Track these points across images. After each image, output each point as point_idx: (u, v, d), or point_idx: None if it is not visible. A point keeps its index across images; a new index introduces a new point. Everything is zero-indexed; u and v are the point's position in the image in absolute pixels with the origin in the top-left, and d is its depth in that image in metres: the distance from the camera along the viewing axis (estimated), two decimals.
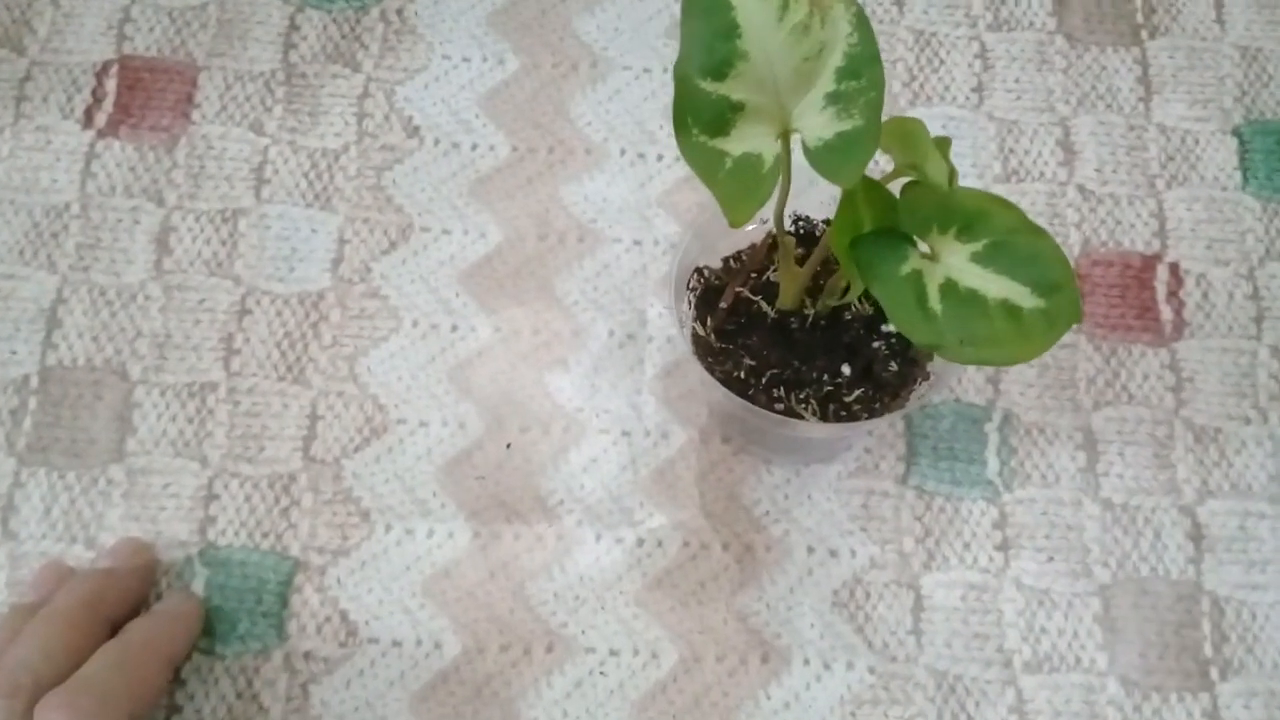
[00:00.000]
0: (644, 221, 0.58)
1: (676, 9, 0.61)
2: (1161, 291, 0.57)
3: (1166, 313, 0.57)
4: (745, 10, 0.34)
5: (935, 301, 0.36)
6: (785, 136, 0.36)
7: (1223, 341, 0.56)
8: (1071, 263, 0.57)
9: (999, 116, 0.60)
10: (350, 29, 0.61)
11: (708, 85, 0.35)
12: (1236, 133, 0.60)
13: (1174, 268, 0.57)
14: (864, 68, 0.34)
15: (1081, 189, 0.59)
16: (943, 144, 0.35)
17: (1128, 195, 0.59)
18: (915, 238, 0.37)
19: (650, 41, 0.61)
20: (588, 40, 0.61)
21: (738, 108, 0.35)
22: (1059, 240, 0.57)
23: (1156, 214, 0.58)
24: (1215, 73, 0.61)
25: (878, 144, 0.34)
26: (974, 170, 0.59)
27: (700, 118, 0.35)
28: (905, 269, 0.36)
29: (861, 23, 0.34)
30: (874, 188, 0.36)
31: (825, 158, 0.34)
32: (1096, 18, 0.62)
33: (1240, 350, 0.56)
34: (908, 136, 0.35)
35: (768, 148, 0.35)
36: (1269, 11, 0.62)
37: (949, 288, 0.36)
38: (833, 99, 0.34)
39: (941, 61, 0.61)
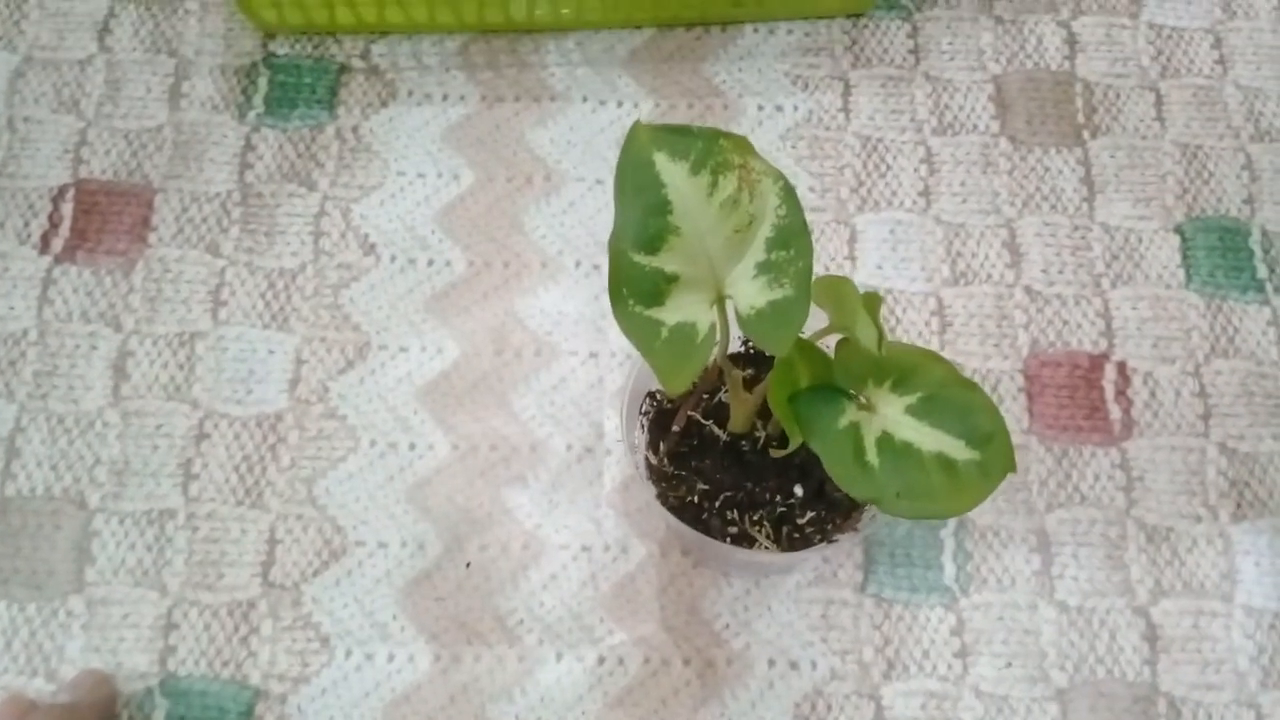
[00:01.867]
0: (599, 333, 0.58)
1: (628, 121, 0.62)
2: (1110, 391, 0.58)
3: (1115, 412, 0.57)
4: (675, 188, 0.35)
5: (873, 455, 0.36)
6: (720, 303, 0.37)
7: (1171, 440, 0.57)
8: (1020, 364, 0.58)
9: (946, 220, 0.61)
10: (306, 148, 0.62)
11: (642, 259, 0.36)
12: (1179, 230, 0.61)
13: (1121, 367, 0.58)
14: (793, 239, 0.35)
15: (1029, 290, 0.60)
16: (871, 302, 0.36)
17: (1074, 295, 0.60)
18: (851, 390, 0.38)
19: (603, 153, 0.62)
20: (541, 154, 0.62)
21: (672, 279, 0.36)
22: (1008, 342, 0.58)
23: (1103, 313, 0.59)
24: (1156, 170, 0.62)
25: (808, 312, 0.35)
26: (923, 274, 0.60)
27: (636, 289, 0.36)
28: (843, 422, 0.37)
29: (789, 196, 0.35)
30: (808, 348, 0.37)
31: (758, 325, 0.35)
32: (1039, 119, 0.63)
33: (1189, 448, 0.57)
34: (838, 297, 0.36)
35: (702, 316, 0.36)
36: (1208, 108, 0.64)
37: (885, 441, 0.37)
38: (764, 268, 0.35)
39: (889, 167, 0.62)
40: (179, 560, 0.54)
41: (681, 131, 0.35)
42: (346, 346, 0.58)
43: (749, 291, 0.36)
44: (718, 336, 0.36)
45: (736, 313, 0.36)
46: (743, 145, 0.35)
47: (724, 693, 0.52)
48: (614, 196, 0.36)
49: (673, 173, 0.35)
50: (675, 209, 0.35)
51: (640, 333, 0.36)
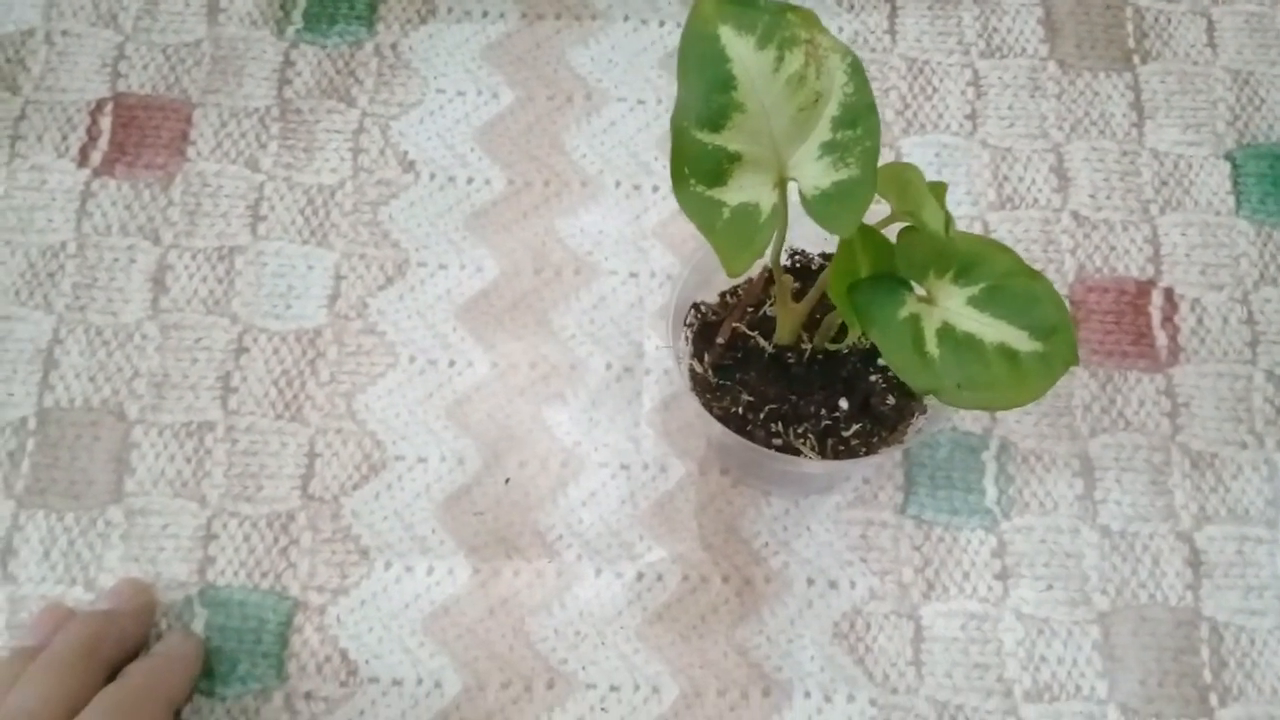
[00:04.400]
0: (640, 253, 0.58)
1: (670, 41, 0.62)
2: (1157, 317, 0.57)
3: (1162, 338, 0.57)
4: (741, 62, 0.34)
5: (933, 345, 0.36)
6: (782, 185, 0.36)
7: (1218, 366, 0.56)
8: (1066, 289, 0.57)
9: (992, 144, 0.60)
10: (345, 64, 0.61)
11: (704, 136, 0.35)
12: (1229, 157, 0.60)
13: (1169, 293, 0.57)
14: (860, 117, 0.34)
15: (1076, 215, 0.59)
16: (938, 189, 0.35)
17: (1122, 221, 0.59)
18: (912, 282, 0.37)
19: (645, 73, 0.61)
20: (582, 72, 0.61)
21: (734, 158, 0.35)
22: (1054, 267, 0.57)
23: (1151, 239, 0.58)
24: (1207, 97, 0.61)
25: (874, 193, 0.34)
26: (968, 198, 0.59)
27: (697, 168, 0.35)
28: (903, 313, 0.36)
29: (857, 72, 0.34)
30: (870, 234, 0.36)
31: (822, 207, 0.35)
32: (1088, 43, 0.62)
33: (1235, 375, 0.56)
34: (904, 183, 0.36)
35: (765, 197, 0.35)
36: (1260, 35, 0.62)
37: (946, 332, 0.36)
38: (829, 148, 0.35)
39: (935, 89, 0.61)
40: (218, 472, 0.54)
41: (748, 4, 0.34)
42: (386, 263, 0.58)
43: (813, 172, 0.35)
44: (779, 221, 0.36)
45: (800, 194, 0.35)
46: (810, 19, 0.34)
47: (762, 610, 0.52)
48: (677, 73, 0.35)
49: (738, 46, 0.34)
50: (740, 84, 0.34)
51: (701, 213, 0.35)
